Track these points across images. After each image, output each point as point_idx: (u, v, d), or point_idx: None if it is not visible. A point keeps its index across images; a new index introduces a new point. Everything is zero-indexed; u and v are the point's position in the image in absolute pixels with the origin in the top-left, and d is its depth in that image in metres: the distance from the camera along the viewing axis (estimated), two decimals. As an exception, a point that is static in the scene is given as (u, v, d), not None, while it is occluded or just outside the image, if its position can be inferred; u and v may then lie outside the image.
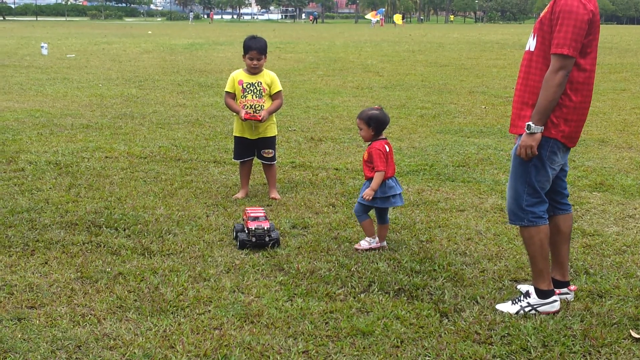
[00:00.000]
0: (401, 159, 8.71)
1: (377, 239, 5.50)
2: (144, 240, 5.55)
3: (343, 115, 12.35)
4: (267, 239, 5.37)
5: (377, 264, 5.11)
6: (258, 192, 7.10)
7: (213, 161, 8.50)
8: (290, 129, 10.86)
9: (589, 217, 6.42)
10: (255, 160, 7.07)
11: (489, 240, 5.74)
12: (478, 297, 4.55)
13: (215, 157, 8.69)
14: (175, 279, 4.79)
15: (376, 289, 4.67)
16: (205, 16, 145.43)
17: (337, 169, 8.12)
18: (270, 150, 6.93)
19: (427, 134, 10.54)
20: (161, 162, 8.37)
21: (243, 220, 5.67)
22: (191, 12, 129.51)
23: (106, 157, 8.62)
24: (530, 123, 4.11)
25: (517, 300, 4.41)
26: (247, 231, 5.43)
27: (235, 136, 6.99)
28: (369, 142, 5.50)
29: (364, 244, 5.48)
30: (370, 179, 5.43)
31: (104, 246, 5.42)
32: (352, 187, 7.28)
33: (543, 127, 4.12)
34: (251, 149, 6.95)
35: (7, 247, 5.36)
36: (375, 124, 5.42)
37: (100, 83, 17.15)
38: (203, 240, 5.60)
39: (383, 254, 5.32)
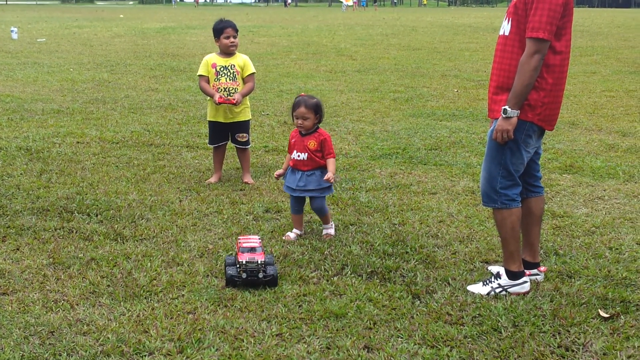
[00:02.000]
0: (374, 142, 8.74)
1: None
2: (116, 226, 5.53)
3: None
4: (260, 275, 4.42)
5: (350, 247, 5.14)
6: (231, 177, 7.10)
7: (186, 146, 8.46)
8: (263, 113, 10.84)
9: (559, 198, 6.50)
10: (229, 144, 7.05)
11: (460, 222, 5.79)
12: (449, 279, 4.60)
13: (188, 142, 8.65)
14: (149, 264, 4.78)
15: (349, 272, 4.70)
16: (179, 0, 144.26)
17: (310, 153, 8.12)
18: (245, 135, 6.92)
19: (400, 118, 10.57)
20: (133, 147, 8.32)
21: (235, 251, 4.87)
22: None
23: (78, 142, 8.54)
24: (506, 107, 4.13)
25: (488, 281, 4.46)
26: (237, 265, 4.49)
27: (209, 121, 6.97)
28: (309, 132, 5.27)
29: (293, 235, 5.39)
30: (317, 169, 5.26)
31: (76, 232, 5.40)
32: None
33: (519, 111, 4.15)
34: (225, 133, 6.93)
35: (-22, 234, 5.32)
36: (321, 111, 5.29)
37: (72, 67, 16.96)
38: (176, 225, 5.59)
39: (356, 237, 5.35)
